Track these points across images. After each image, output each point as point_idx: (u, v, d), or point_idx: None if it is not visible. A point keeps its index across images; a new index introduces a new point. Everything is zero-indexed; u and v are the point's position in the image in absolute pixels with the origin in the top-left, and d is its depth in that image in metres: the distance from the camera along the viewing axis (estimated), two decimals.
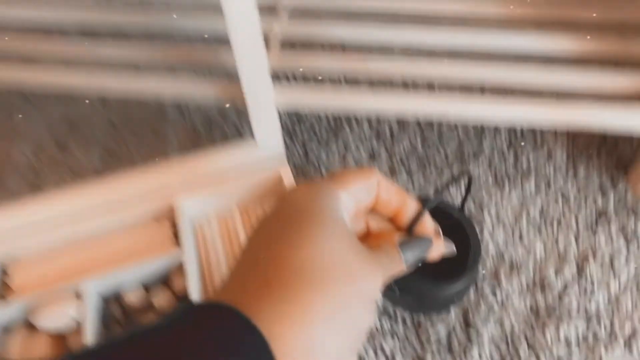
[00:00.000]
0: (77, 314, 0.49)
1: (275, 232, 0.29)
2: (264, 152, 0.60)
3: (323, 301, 0.25)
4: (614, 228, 0.59)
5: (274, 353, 0.23)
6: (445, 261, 0.38)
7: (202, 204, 0.59)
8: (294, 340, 0.24)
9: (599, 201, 0.61)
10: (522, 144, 0.66)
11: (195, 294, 0.51)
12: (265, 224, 0.30)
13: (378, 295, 0.29)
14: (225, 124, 0.71)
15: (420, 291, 0.49)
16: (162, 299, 0.52)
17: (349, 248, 0.28)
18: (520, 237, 0.59)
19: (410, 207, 0.35)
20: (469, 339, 0.53)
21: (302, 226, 0.28)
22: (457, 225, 0.51)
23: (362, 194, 0.33)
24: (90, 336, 0.49)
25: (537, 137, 0.66)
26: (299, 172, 0.66)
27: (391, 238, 0.33)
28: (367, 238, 0.35)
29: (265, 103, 0.55)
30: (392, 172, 0.65)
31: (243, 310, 0.24)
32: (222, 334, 0.23)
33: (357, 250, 0.29)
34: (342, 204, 0.31)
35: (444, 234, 0.37)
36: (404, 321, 0.54)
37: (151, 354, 0.22)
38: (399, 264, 0.32)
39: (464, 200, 0.50)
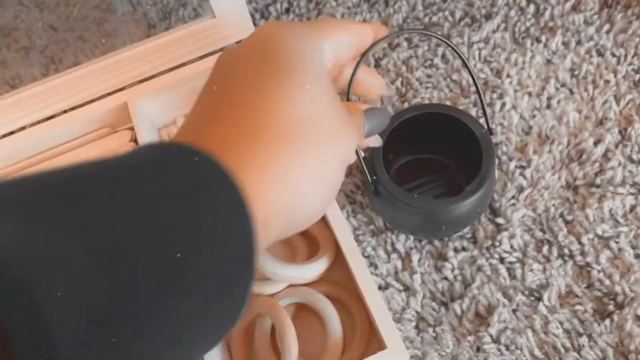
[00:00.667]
0: None
1: (254, 76, 0.25)
2: (226, 27, 0.48)
3: (304, 156, 0.25)
4: None
5: (253, 209, 0.22)
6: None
7: (163, 102, 0.48)
8: (277, 194, 0.23)
9: None
10: None
11: None
12: (240, 63, 0.26)
13: (353, 158, 0.29)
14: (183, 10, 0.59)
15: (435, 213, 0.40)
16: None
17: (332, 105, 0.27)
18: (549, 104, 0.49)
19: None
20: (496, 228, 0.45)
21: (285, 74, 0.25)
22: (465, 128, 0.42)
23: (343, 48, 0.31)
24: None
25: None
26: None
27: (356, 103, 0.32)
28: None
29: None
30: (390, 46, 0.54)
31: (222, 159, 0.22)
32: (194, 185, 0.21)
33: (338, 108, 0.27)
34: (324, 55, 0.28)
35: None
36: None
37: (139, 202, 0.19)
38: (362, 131, 0.31)
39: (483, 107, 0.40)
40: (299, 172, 0.24)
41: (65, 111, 0.49)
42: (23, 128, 0.49)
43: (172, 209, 0.19)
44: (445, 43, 0.37)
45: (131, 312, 0.17)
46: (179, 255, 0.19)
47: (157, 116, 0.49)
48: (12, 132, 0.49)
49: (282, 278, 0.39)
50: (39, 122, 0.49)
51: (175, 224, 0.19)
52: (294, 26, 0.28)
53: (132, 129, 0.48)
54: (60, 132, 0.48)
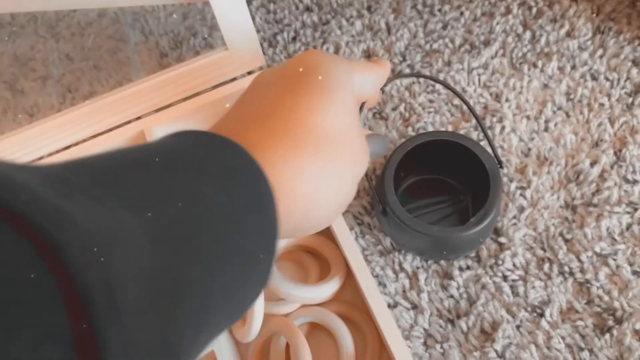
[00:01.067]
0: None
1: (292, 92, 0.29)
2: (238, 58, 0.51)
3: (325, 167, 0.27)
4: None
5: (278, 203, 0.24)
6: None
7: (178, 128, 0.51)
8: (297, 195, 0.26)
9: (634, 74, 0.53)
10: (539, 21, 0.57)
11: None
12: (280, 80, 0.30)
13: (361, 177, 0.32)
14: (194, 40, 0.61)
15: (439, 239, 0.42)
16: None
17: (357, 127, 0.30)
18: (546, 127, 0.52)
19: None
20: (499, 247, 0.47)
21: (319, 92, 0.28)
22: (470, 155, 0.44)
23: (367, 85, 0.34)
24: None
25: (555, 10, 0.57)
26: None
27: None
28: None
29: None
30: (393, 72, 0.56)
31: (254, 154, 0.24)
32: (231, 176, 0.23)
33: (360, 132, 0.31)
34: (354, 85, 0.31)
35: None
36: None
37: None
38: (367, 155, 0.33)
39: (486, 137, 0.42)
40: (318, 181, 0.27)
41: (84, 140, 0.51)
42: (41, 158, 0.52)
43: (214, 194, 0.22)
44: (443, 84, 0.40)
45: (180, 282, 0.20)
46: (220, 232, 0.22)
47: None
48: (31, 161, 0.51)
49: (295, 299, 0.41)
50: (57, 151, 0.51)
51: (218, 206, 0.22)
52: (331, 56, 0.31)
53: None
54: None
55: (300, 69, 0.30)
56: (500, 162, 0.43)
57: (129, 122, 0.50)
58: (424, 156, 0.45)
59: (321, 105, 0.28)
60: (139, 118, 0.51)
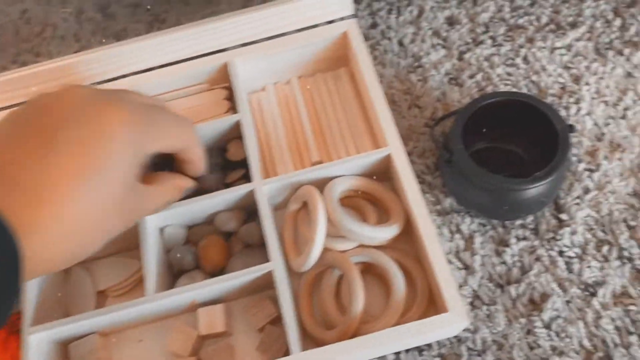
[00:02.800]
0: None
1: (35, 146, 0.31)
2: (326, 5, 0.52)
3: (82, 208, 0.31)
4: None
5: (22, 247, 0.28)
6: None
7: (257, 68, 0.52)
8: (46, 237, 0.30)
9: None
10: (631, 9, 0.56)
11: (254, 160, 0.46)
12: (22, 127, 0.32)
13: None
14: None
15: (502, 191, 0.42)
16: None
17: (125, 189, 0.34)
18: (624, 115, 0.51)
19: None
20: (559, 223, 0.47)
21: (84, 156, 0.32)
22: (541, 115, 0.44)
23: (168, 147, 0.38)
24: None
25: None
26: (364, 37, 0.58)
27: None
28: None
29: None
30: (475, 42, 0.56)
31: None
32: None
33: (134, 193, 0.35)
34: (142, 150, 0.35)
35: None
36: None
37: None
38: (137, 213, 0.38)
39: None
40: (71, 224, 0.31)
41: (168, 64, 0.53)
42: (124, 76, 0.54)
43: None
44: None
45: None
46: None
47: (249, 80, 0.53)
48: (114, 78, 0.53)
49: (355, 237, 0.42)
50: (141, 71, 0.53)
51: None
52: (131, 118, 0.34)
53: (228, 88, 0.52)
54: (159, 83, 0.52)
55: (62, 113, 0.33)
56: (571, 126, 0.43)
57: (213, 52, 0.52)
58: (493, 117, 0.45)
59: (84, 173, 0.31)
60: (224, 50, 0.52)
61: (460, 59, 0.56)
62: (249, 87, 0.54)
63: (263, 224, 0.43)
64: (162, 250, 0.45)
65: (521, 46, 0.55)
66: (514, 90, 0.53)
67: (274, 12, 0.52)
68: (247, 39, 0.53)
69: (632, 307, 0.43)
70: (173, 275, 0.46)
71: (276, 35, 0.52)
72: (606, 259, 0.45)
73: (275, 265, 0.41)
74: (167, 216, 0.45)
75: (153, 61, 0.54)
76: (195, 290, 0.42)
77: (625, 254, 0.45)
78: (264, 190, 0.44)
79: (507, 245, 0.46)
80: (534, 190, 0.42)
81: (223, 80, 0.52)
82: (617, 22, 0.55)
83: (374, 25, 0.59)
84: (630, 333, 0.42)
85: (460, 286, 0.45)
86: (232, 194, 0.45)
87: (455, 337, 0.43)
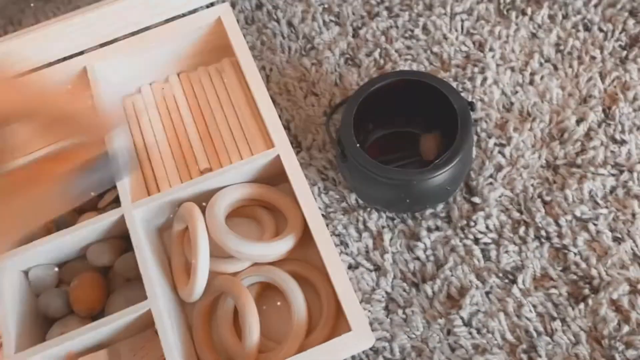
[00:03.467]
0: None
1: None
2: None
3: None
4: None
5: None
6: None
7: (128, 68, 0.46)
8: None
9: (630, 26, 0.48)
10: None
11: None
12: None
13: None
14: None
15: (402, 185, 0.38)
16: None
17: None
18: (532, 80, 0.47)
19: None
20: (472, 207, 0.43)
21: None
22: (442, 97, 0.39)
23: None
24: None
25: None
26: (249, 20, 0.52)
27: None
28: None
29: None
30: (370, 15, 0.51)
31: None
32: None
33: None
34: None
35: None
36: None
37: None
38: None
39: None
40: None
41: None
42: None
43: None
44: None
45: None
46: None
47: (121, 82, 0.47)
48: None
49: (245, 256, 0.37)
50: None
51: None
52: None
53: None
54: None
55: None
56: (471, 103, 0.39)
57: (68, 57, 0.45)
58: (392, 104, 0.41)
59: None
60: (81, 53, 0.45)
61: (355, 35, 0.51)
62: (123, 90, 0.48)
63: (137, 255, 0.37)
64: (27, 297, 0.39)
65: (419, 15, 0.51)
66: (414, 65, 0.48)
67: (130, 5, 0.46)
68: (104, 38, 0.46)
69: (553, 291, 0.40)
70: (48, 324, 0.40)
71: (139, 30, 0.46)
72: (524, 241, 0.42)
73: (152, 302, 0.35)
74: (30, 256, 0.39)
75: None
76: (69, 341, 0.36)
77: (542, 233, 0.42)
78: (137, 214, 0.39)
79: (418, 239, 0.42)
80: (437, 179, 0.38)
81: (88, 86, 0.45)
82: None
83: (259, 6, 0.53)
84: (554, 318, 0.39)
85: (373, 290, 0.41)
86: (102, 222, 0.39)
87: (371, 348, 0.39)
